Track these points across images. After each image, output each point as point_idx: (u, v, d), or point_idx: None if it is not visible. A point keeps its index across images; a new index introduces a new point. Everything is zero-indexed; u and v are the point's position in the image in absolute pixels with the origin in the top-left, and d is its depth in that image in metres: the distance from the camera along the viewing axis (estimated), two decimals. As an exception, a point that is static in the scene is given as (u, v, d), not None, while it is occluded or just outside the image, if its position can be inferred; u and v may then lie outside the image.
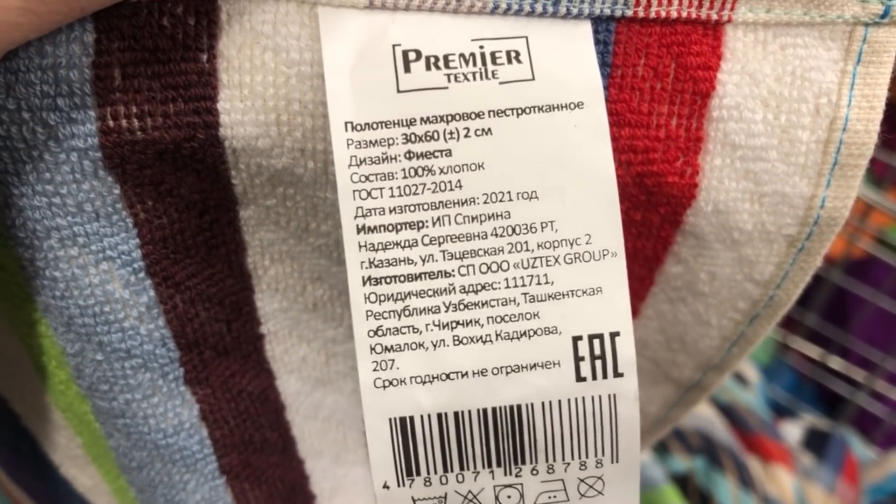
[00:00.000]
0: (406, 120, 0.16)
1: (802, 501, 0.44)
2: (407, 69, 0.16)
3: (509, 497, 0.18)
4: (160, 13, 0.15)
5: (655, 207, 0.19)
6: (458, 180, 0.16)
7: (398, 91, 0.16)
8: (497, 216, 0.16)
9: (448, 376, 0.17)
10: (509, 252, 0.16)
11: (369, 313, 0.16)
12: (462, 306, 0.16)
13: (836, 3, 0.17)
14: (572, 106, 0.16)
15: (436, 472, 0.17)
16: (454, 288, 0.16)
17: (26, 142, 0.16)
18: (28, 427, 0.23)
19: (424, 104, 0.16)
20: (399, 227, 0.16)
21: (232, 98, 0.16)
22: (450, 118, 0.16)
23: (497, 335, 0.17)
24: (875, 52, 0.17)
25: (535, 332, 0.17)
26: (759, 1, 0.17)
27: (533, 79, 0.16)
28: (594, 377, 0.17)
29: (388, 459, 0.17)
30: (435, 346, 0.16)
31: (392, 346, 0.16)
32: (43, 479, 0.24)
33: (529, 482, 0.18)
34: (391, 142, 0.16)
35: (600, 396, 0.17)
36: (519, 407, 0.17)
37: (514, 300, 0.17)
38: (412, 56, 0.16)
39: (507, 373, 0.17)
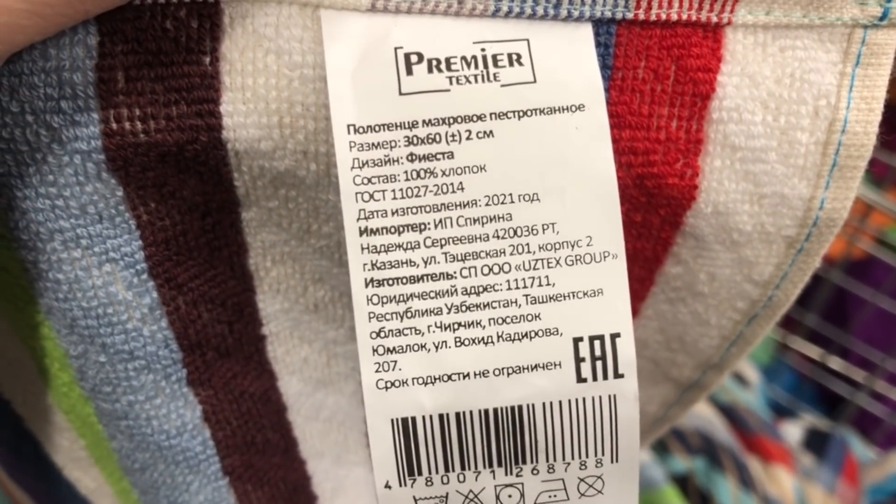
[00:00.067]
0: (408, 122, 0.16)
1: (802, 502, 0.44)
2: (409, 72, 0.16)
3: (510, 496, 0.18)
4: (163, 16, 0.15)
5: (656, 209, 0.19)
6: (460, 182, 0.16)
7: (400, 93, 0.16)
8: (499, 218, 0.16)
9: (450, 377, 0.17)
10: (511, 254, 0.17)
11: (372, 315, 0.16)
12: (464, 308, 0.17)
13: (835, 6, 0.17)
14: (573, 108, 0.16)
15: (437, 472, 0.17)
16: (456, 290, 0.17)
17: (30, 144, 0.16)
18: (31, 429, 0.23)
19: (426, 106, 0.16)
20: (401, 229, 0.16)
21: (234, 101, 0.16)
22: (452, 120, 0.16)
23: (498, 336, 0.17)
24: (874, 55, 0.17)
25: (536, 334, 0.17)
26: (759, 3, 0.17)
27: (534, 81, 0.16)
28: (595, 378, 0.17)
29: (390, 459, 0.17)
30: (437, 347, 0.17)
31: (394, 348, 0.16)
32: (45, 480, 0.24)
33: (530, 482, 0.18)
34: (393, 144, 0.16)
35: (601, 397, 0.17)
36: (520, 407, 0.17)
37: (516, 302, 0.17)
38: (414, 59, 0.16)
39: (509, 374, 0.17)
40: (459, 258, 0.16)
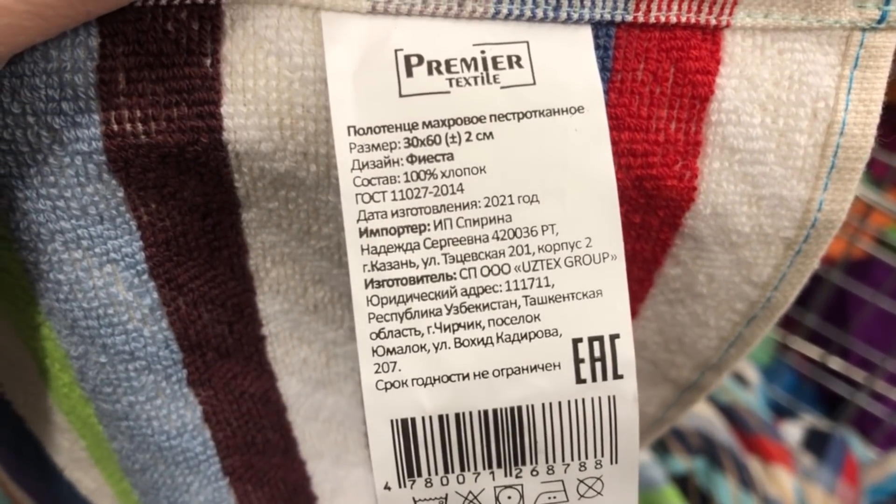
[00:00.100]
0: (408, 124, 0.16)
1: (802, 502, 0.44)
2: (409, 74, 0.16)
3: (509, 498, 0.18)
4: (164, 18, 0.15)
5: (654, 210, 0.19)
6: (460, 184, 0.16)
7: (400, 95, 0.16)
8: (498, 219, 0.16)
9: (449, 378, 0.17)
10: (510, 255, 0.17)
11: (371, 316, 0.16)
12: (463, 309, 0.17)
13: (834, 9, 0.17)
14: (573, 110, 0.16)
15: (437, 473, 0.17)
16: (456, 290, 0.17)
17: (31, 145, 0.16)
18: (32, 430, 0.23)
19: (426, 108, 0.16)
20: (401, 230, 0.16)
21: (235, 102, 0.16)
22: (452, 122, 0.16)
23: (498, 337, 0.17)
24: (872, 57, 0.17)
25: (535, 335, 0.17)
26: (758, 6, 0.17)
27: (534, 83, 0.16)
28: (594, 379, 0.17)
29: (390, 460, 0.17)
30: (436, 348, 0.17)
31: (394, 349, 0.17)
32: (46, 481, 0.24)
33: (529, 483, 0.18)
34: (393, 146, 0.16)
35: (600, 398, 0.17)
36: (519, 408, 0.17)
37: (515, 302, 0.17)
38: (414, 61, 0.16)
39: (508, 374, 0.17)
40: (459, 259, 0.17)
